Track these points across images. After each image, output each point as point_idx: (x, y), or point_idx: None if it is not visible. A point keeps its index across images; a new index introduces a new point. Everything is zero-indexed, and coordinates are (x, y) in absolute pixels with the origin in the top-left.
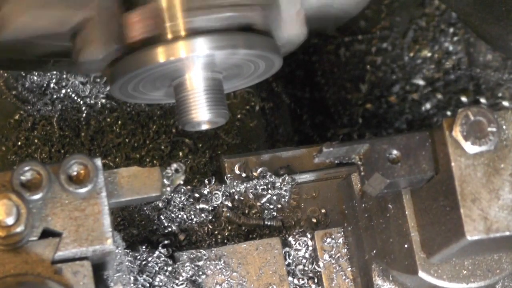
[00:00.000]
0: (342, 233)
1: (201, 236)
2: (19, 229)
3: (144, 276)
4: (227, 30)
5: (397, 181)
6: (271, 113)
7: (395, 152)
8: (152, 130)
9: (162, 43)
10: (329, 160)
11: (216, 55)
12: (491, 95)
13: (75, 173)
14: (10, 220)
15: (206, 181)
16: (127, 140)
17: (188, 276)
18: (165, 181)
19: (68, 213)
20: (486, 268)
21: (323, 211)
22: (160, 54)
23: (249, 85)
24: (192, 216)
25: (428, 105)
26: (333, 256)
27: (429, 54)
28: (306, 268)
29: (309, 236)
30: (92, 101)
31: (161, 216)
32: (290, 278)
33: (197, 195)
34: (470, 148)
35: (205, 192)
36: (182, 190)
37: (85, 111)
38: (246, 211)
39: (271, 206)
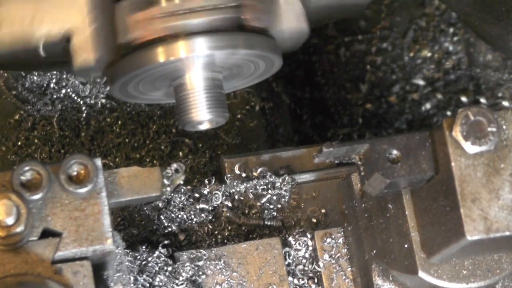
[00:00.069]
0: (342, 233)
1: (201, 236)
2: (19, 229)
3: (144, 276)
4: (227, 30)
5: (397, 181)
6: (271, 113)
7: (395, 152)
8: (152, 130)
9: (162, 43)
10: (329, 160)
11: (216, 55)
12: (491, 95)
13: (75, 173)
14: (10, 220)
15: (206, 181)
16: (127, 140)
17: (188, 276)
18: (165, 181)
19: (68, 213)
20: (486, 268)
21: (323, 211)
22: (160, 54)
23: (249, 85)
24: (192, 216)
25: (428, 105)
26: (333, 256)
27: (429, 54)
28: (306, 268)
29: (309, 236)
30: (92, 101)
31: (161, 216)
32: (290, 278)
33: (197, 195)
34: (470, 148)
35: (205, 192)
36: (182, 190)
37: (85, 111)
38: (246, 211)
39: (271, 206)
